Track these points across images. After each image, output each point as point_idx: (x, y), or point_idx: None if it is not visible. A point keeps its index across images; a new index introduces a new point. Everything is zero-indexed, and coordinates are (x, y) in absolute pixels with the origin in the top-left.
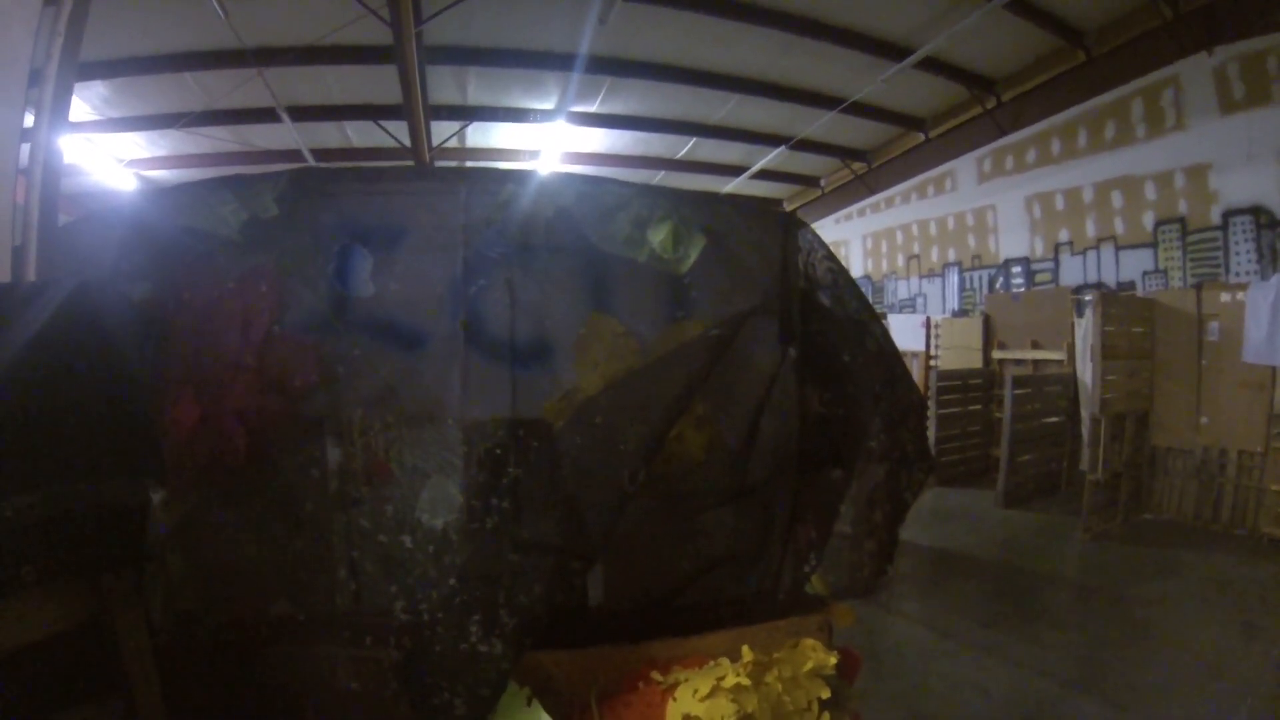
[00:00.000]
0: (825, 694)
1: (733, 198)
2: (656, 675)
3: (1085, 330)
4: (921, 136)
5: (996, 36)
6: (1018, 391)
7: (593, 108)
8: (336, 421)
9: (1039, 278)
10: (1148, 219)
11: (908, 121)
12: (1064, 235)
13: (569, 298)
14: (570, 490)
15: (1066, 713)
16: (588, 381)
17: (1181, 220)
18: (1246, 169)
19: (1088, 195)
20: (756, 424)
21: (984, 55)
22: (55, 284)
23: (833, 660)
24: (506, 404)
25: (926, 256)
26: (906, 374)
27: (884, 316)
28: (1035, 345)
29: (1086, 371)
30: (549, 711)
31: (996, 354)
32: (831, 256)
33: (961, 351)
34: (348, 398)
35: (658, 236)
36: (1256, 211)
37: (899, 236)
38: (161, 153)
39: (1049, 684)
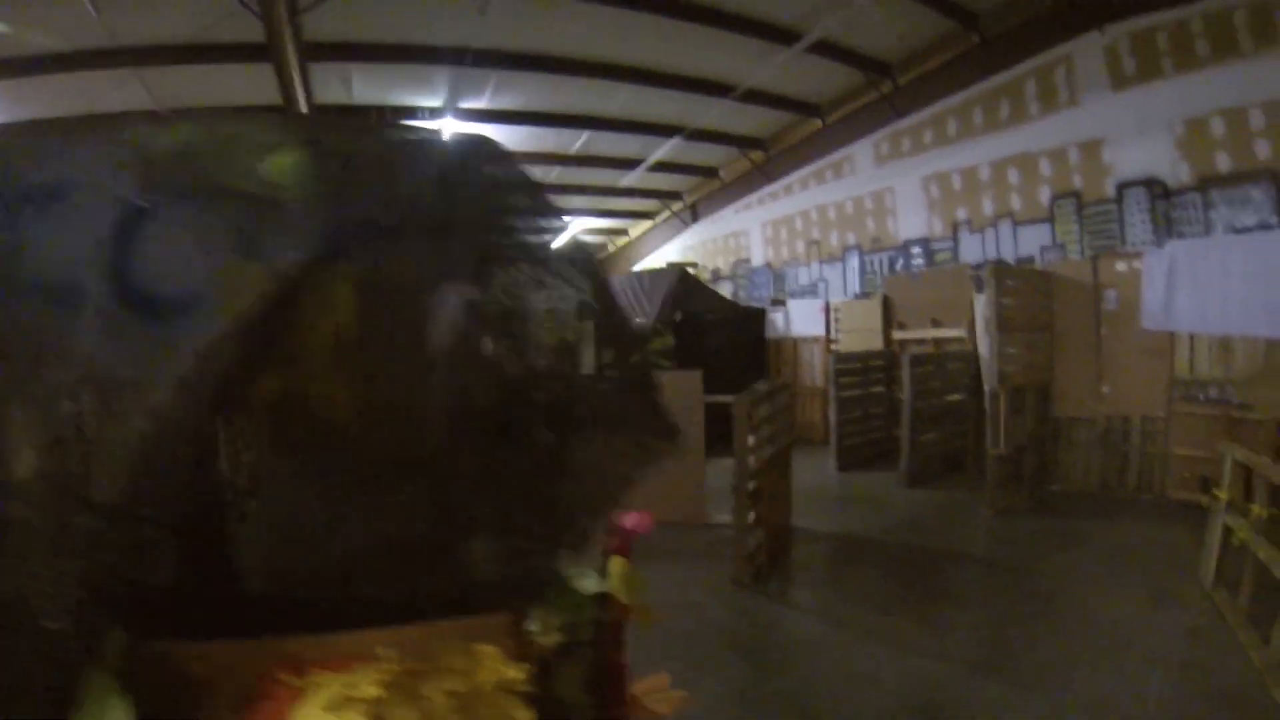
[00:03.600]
0: (522, 716)
1: (408, 126)
2: (288, 677)
3: (984, 305)
4: (819, 123)
5: (891, 20)
6: (917, 370)
7: (482, 104)
8: None
9: (938, 257)
10: (1044, 194)
11: (804, 108)
12: (962, 214)
13: (205, 243)
14: (151, 447)
15: (964, 697)
16: (223, 335)
17: (1077, 194)
18: (1139, 142)
19: (985, 174)
20: (426, 381)
21: (879, 39)
22: None
23: (515, 674)
24: (146, 360)
25: (826, 241)
26: (630, 329)
27: (784, 303)
28: (935, 323)
29: (986, 346)
30: (177, 709)
31: (897, 334)
32: (535, 187)
33: (863, 334)
34: None
35: (282, 165)
36: (1150, 183)
37: (799, 223)
38: None
39: (948, 668)
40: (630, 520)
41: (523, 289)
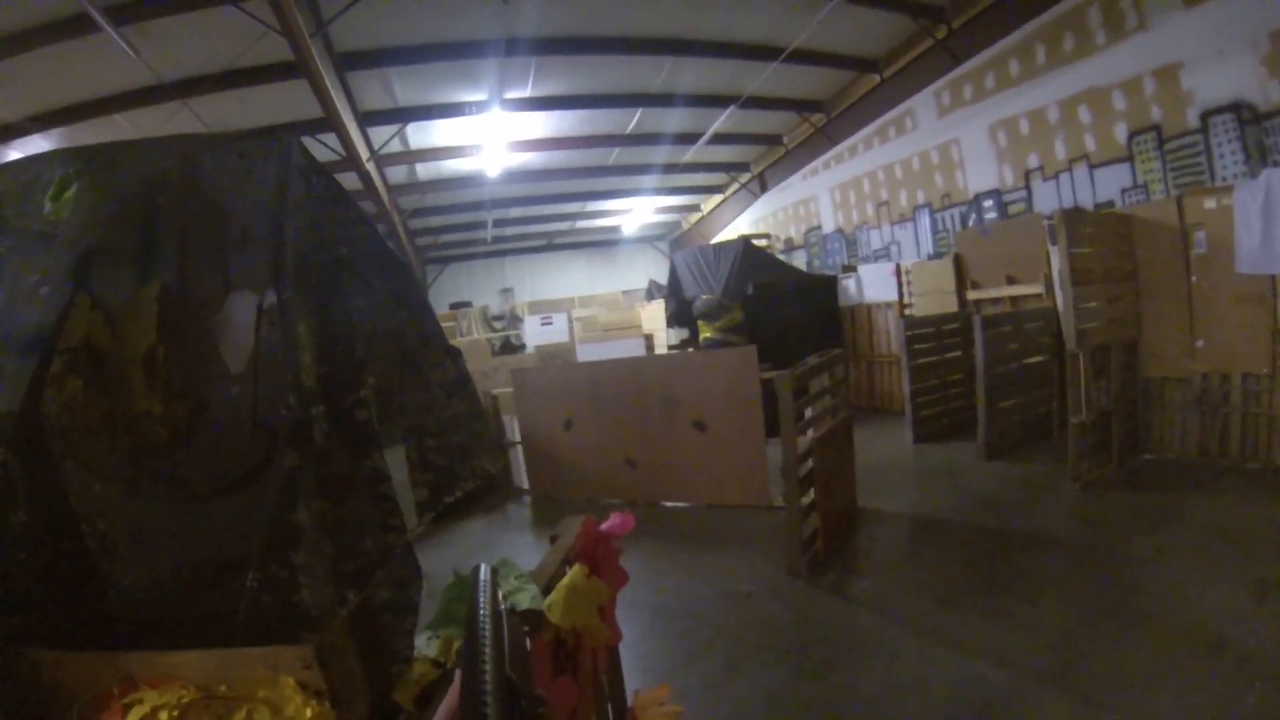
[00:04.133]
0: None
1: (206, 136)
2: (119, 692)
3: (1059, 257)
4: (876, 78)
5: None
6: (990, 332)
7: (526, 92)
8: None
9: (1012, 209)
10: (1120, 131)
11: (859, 64)
12: (1033, 161)
13: (45, 281)
14: None
15: (1020, 714)
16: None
17: (1157, 128)
18: (1221, 64)
19: (1053, 115)
20: (233, 394)
21: None
22: None
23: (308, 711)
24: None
25: (895, 202)
26: (441, 336)
27: (855, 269)
28: (1010, 281)
29: (1063, 303)
30: (15, 712)
31: (971, 294)
32: (337, 188)
33: (936, 296)
34: None
35: (63, 200)
36: (1237, 108)
37: (866, 185)
38: None
39: (1007, 675)
40: (608, 524)
41: (329, 298)
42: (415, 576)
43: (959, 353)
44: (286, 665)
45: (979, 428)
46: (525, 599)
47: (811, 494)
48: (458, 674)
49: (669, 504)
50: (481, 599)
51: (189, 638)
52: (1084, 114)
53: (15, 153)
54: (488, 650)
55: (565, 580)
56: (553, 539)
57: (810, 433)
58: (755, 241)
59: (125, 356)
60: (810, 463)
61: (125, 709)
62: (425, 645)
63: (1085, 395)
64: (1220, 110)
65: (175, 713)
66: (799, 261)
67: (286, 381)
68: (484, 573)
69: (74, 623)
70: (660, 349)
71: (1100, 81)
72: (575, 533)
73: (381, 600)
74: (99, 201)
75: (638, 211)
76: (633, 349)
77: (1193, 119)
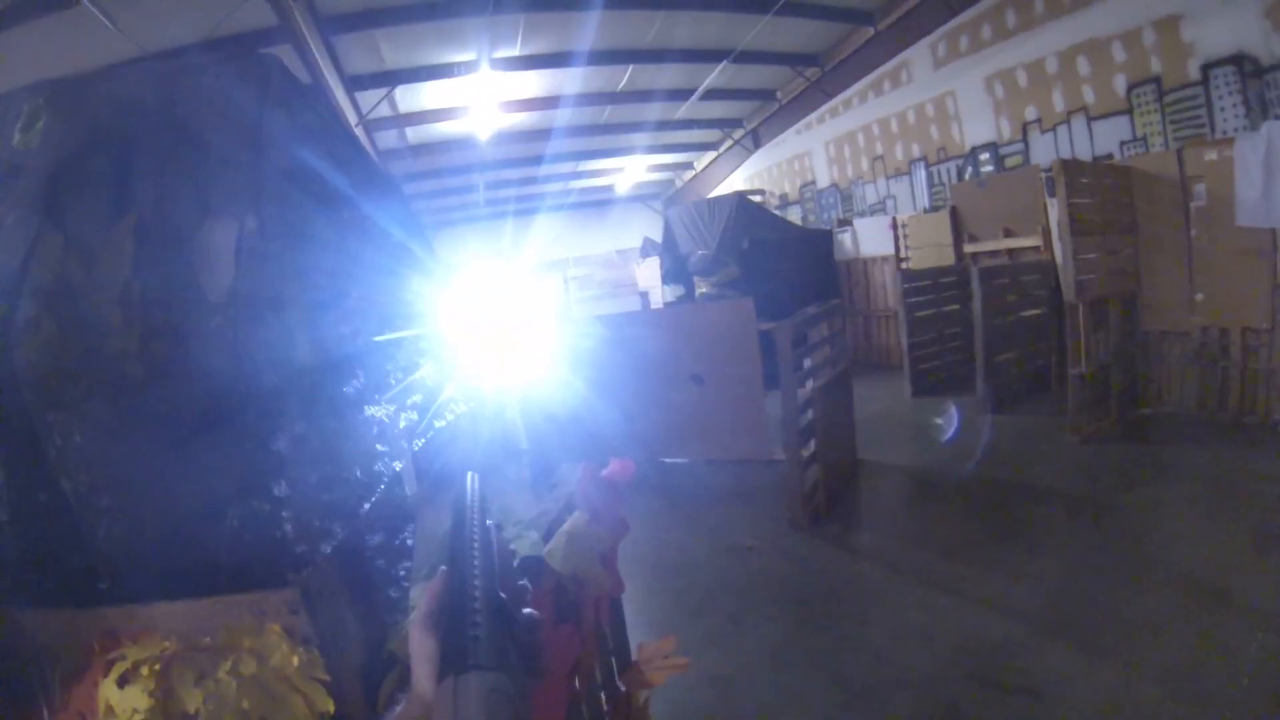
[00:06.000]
0: (328, 707)
1: (186, 62)
2: (99, 648)
3: (1058, 209)
4: (871, 30)
5: None
6: (988, 284)
7: (515, 50)
8: None
9: (1009, 162)
10: (1119, 83)
11: (854, 16)
12: (1031, 113)
13: (7, 216)
14: None
15: (1026, 663)
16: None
17: (1156, 80)
18: (1223, 13)
19: (1051, 66)
20: (213, 326)
21: None
22: None
23: (295, 659)
24: None
25: (891, 156)
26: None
27: (850, 223)
28: (1008, 233)
29: (1062, 254)
30: (24, 670)
31: (968, 248)
32: (332, 112)
33: (933, 250)
34: None
35: (30, 130)
36: (1239, 60)
37: (861, 139)
38: None
39: (1010, 625)
40: (608, 470)
41: (312, 220)
42: (408, 518)
43: (956, 306)
44: (273, 611)
45: (977, 381)
46: (525, 545)
47: (812, 446)
48: (430, 590)
49: (667, 460)
50: (471, 507)
51: (175, 589)
52: (1083, 65)
53: None
54: (477, 563)
55: (565, 526)
56: (552, 485)
57: (810, 383)
58: (750, 197)
59: (100, 294)
60: (810, 413)
61: (109, 665)
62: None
63: (1084, 348)
64: (1221, 62)
65: (156, 666)
66: (794, 216)
67: (266, 301)
68: (471, 481)
69: (56, 580)
70: (657, 305)
71: (1099, 32)
72: (575, 479)
73: (373, 544)
74: (70, 132)
75: (631, 170)
76: (629, 307)
77: (1193, 71)
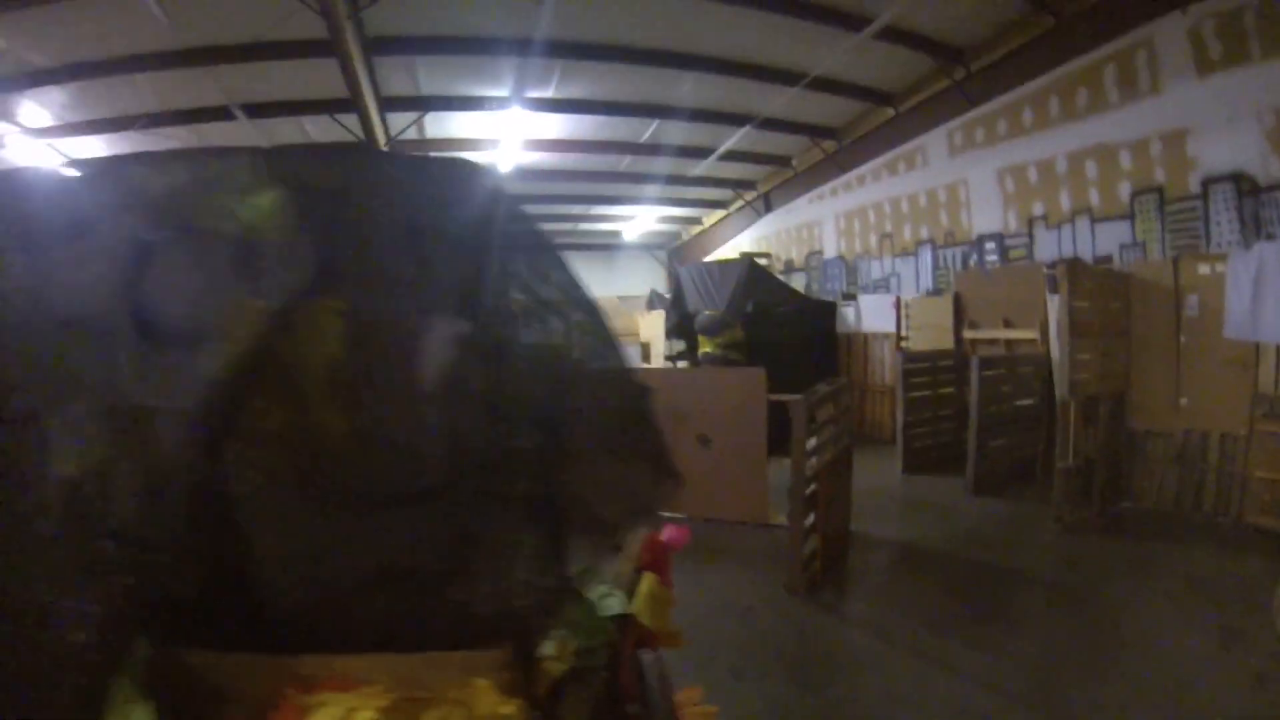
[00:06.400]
0: None
1: (401, 154)
2: (295, 694)
3: (1057, 307)
4: (891, 111)
5: (961, 3)
6: (986, 373)
7: (548, 93)
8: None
9: (1013, 253)
10: (1124, 189)
11: (876, 96)
12: (1038, 209)
13: (206, 281)
14: (153, 479)
15: None
16: (221, 368)
17: (1159, 190)
18: (1226, 133)
19: (1061, 166)
20: (424, 413)
21: (949, 23)
22: None
23: (508, 710)
24: (152, 392)
25: (899, 235)
26: (629, 367)
27: (855, 297)
28: (1007, 324)
29: (1059, 351)
30: (177, 714)
31: (968, 334)
32: (528, 218)
33: (933, 331)
34: (9, 384)
35: (261, 206)
36: (1237, 178)
37: (871, 215)
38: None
39: (993, 699)
40: (666, 534)
41: (514, 321)
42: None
43: (951, 389)
44: (484, 668)
45: (968, 464)
46: (615, 604)
47: (812, 516)
48: None
49: (666, 514)
50: None
51: (344, 643)
52: (1090, 169)
53: (32, 101)
54: None
55: (643, 587)
56: (617, 550)
57: (814, 459)
58: (757, 259)
59: (305, 366)
60: (814, 486)
61: (303, 711)
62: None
63: (1073, 442)
64: (1221, 179)
65: (374, 714)
66: (798, 283)
67: (484, 408)
68: None
69: (226, 627)
70: (656, 358)
71: (1109, 139)
72: (639, 544)
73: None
74: (286, 208)
75: (640, 219)
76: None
77: (1194, 184)
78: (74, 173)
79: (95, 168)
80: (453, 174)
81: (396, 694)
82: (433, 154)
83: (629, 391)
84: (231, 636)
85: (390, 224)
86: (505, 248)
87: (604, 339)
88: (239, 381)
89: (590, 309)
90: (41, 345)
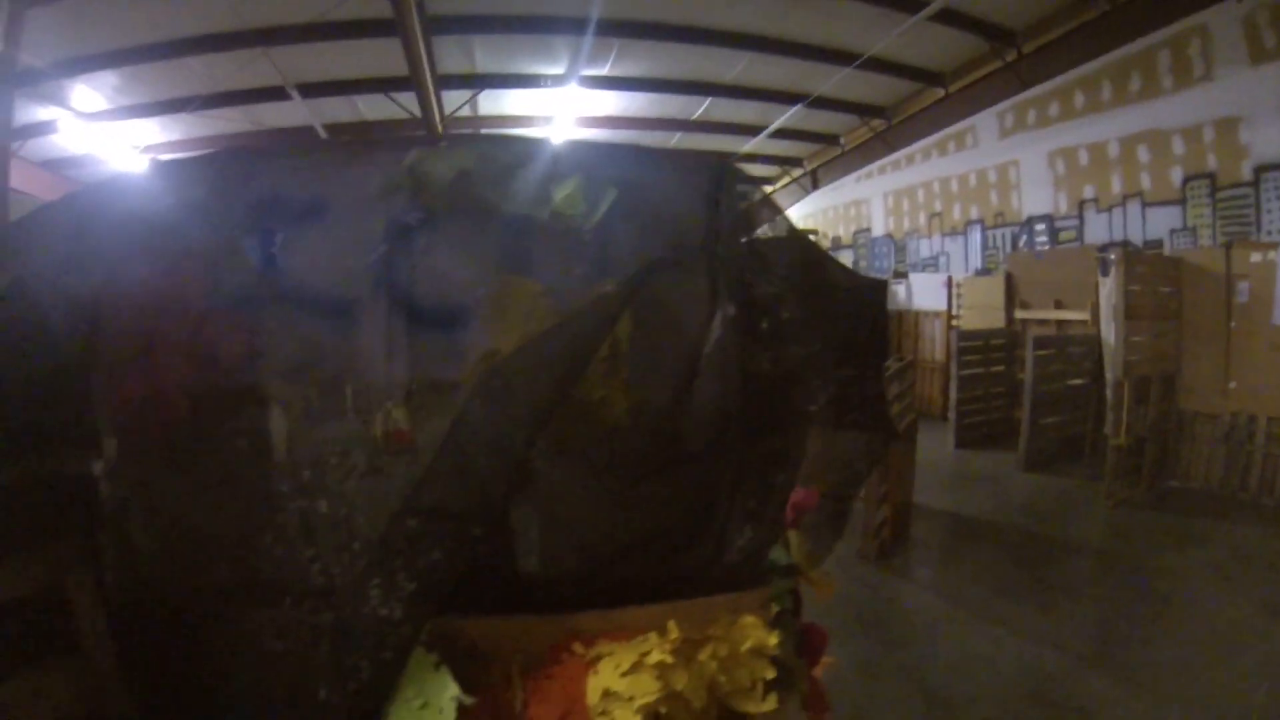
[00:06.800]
0: (770, 674)
1: (660, 151)
2: (579, 648)
3: (1109, 290)
4: (941, 92)
5: None
6: (1040, 353)
7: (604, 71)
8: (260, 390)
9: (1063, 236)
10: (1175, 175)
11: (927, 77)
12: (1089, 192)
13: (478, 260)
14: (470, 455)
15: (1075, 689)
16: (504, 344)
17: (1211, 176)
18: (1278, 122)
19: (1113, 150)
20: (689, 387)
21: (1003, 5)
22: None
23: (773, 640)
24: (414, 369)
25: (948, 214)
26: (867, 338)
27: (906, 275)
28: (1059, 305)
29: (1110, 332)
30: (468, 679)
31: (1019, 314)
32: (776, 208)
33: (984, 311)
34: (269, 367)
35: (563, 192)
36: None
37: (920, 194)
38: (176, 137)
39: (1060, 658)
40: (799, 497)
41: (770, 305)
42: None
43: (1002, 368)
44: (748, 608)
45: (1021, 440)
46: (782, 556)
47: (884, 487)
48: None
49: None
50: None
51: (614, 600)
52: (1143, 153)
53: (85, 85)
54: None
55: (795, 541)
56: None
57: None
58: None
59: (593, 346)
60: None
61: (589, 662)
62: None
63: (1126, 420)
64: (1273, 167)
65: (661, 658)
66: (845, 261)
67: (738, 380)
68: None
69: (491, 593)
70: None
71: (1162, 124)
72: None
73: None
74: (586, 195)
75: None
76: None
77: (1246, 172)
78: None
79: (352, 149)
80: (717, 174)
81: (678, 636)
82: (680, 150)
83: (864, 367)
84: (501, 603)
85: (647, 212)
86: (762, 241)
87: (847, 318)
88: (527, 361)
89: (839, 287)
90: (305, 329)
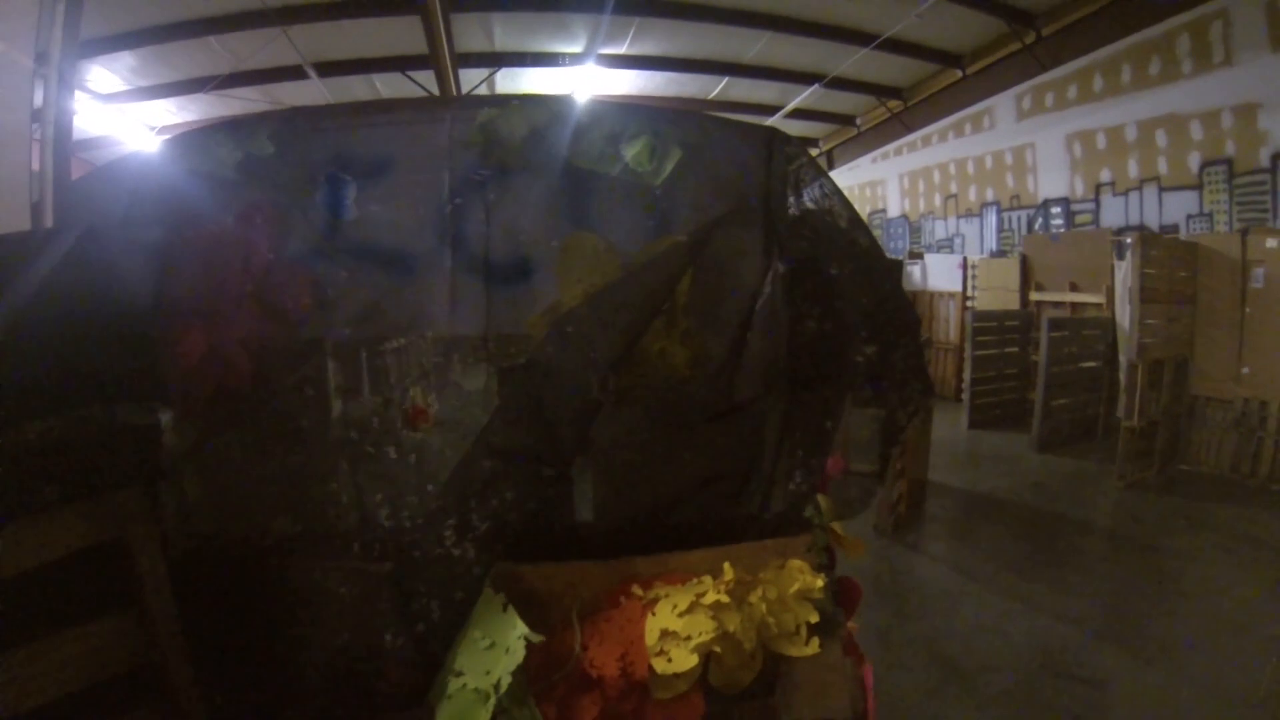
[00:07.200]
0: (814, 618)
1: (714, 116)
2: (637, 590)
3: (1125, 273)
4: (959, 73)
5: None
6: (1054, 334)
7: (622, 49)
8: (328, 341)
9: (1079, 219)
10: (1193, 160)
11: (944, 58)
12: (1105, 175)
13: (547, 215)
14: (543, 399)
15: (1086, 660)
16: (569, 295)
17: (1229, 162)
18: None
19: (1131, 134)
20: (743, 340)
21: None
22: (67, 230)
23: (819, 583)
24: (487, 319)
25: (964, 196)
26: (901, 294)
27: (922, 256)
28: (1074, 288)
29: (1125, 315)
30: (530, 621)
31: (1034, 296)
32: (821, 171)
33: (999, 293)
34: (338, 318)
35: (632, 151)
36: None
37: (936, 176)
38: (193, 117)
39: (1071, 631)
40: (828, 463)
41: (817, 263)
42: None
43: (1016, 349)
44: (793, 551)
45: (1034, 421)
46: (815, 516)
47: (900, 464)
48: None
49: None
50: None
51: (659, 545)
52: (1160, 137)
53: (102, 68)
54: None
55: (825, 504)
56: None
57: None
58: None
59: (658, 300)
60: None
61: (648, 603)
62: None
63: (1139, 403)
64: None
65: (717, 598)
66: None
67: (788, 334)
68: None
69: (552, 538)
70: None
71: (1180, 109)
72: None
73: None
74: (669, 159)
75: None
76: None
77: (1264, 158)
78: (414, 111)
79: (417, 106)
80: (769, 138)
81: (732, 578)
82: (735, 119)
83: (901, 322)
84: (561, 548)
85: (706, 176)
86: (808, 201)
87: (883, 275)
88: (609, 311)
89: (874, 250)
90: (365, 281)
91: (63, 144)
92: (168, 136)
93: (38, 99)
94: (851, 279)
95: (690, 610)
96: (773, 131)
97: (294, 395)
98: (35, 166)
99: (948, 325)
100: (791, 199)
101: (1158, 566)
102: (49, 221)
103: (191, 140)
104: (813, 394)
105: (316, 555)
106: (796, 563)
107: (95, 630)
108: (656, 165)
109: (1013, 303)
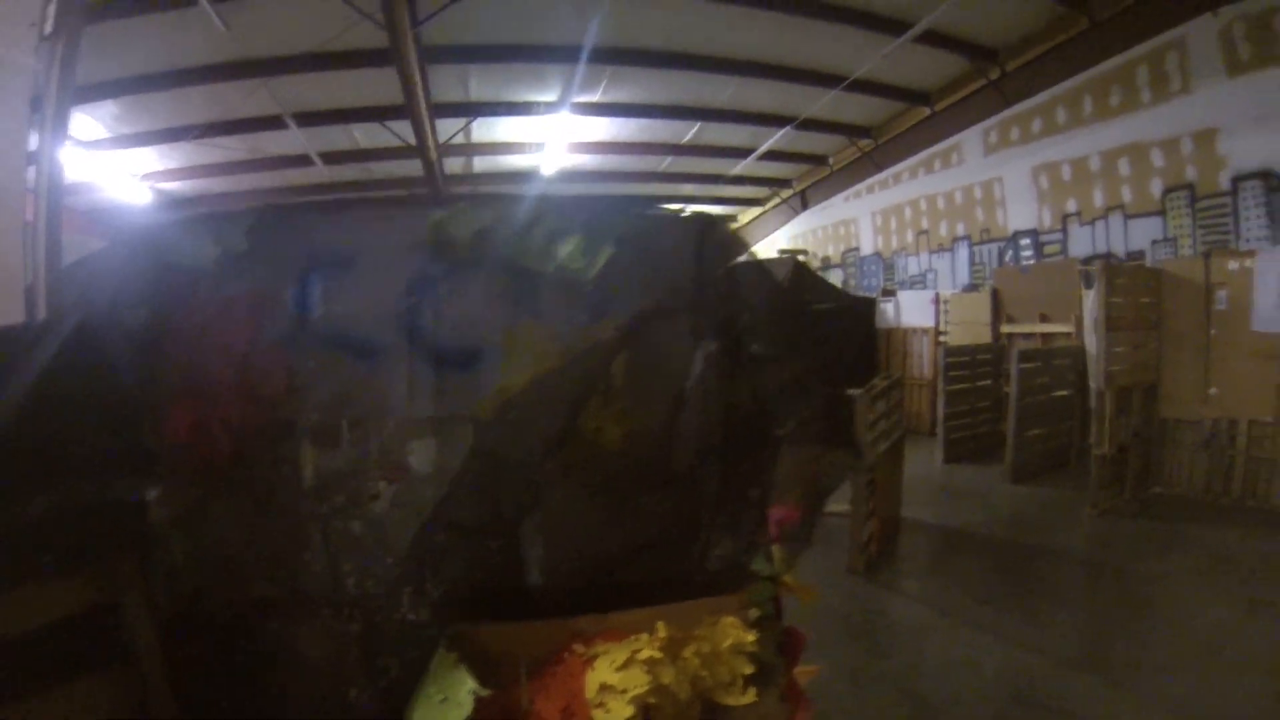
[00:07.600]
0: (748, 670)
1: (652, 207)
2: (579, 647)
3: (1092, 302)
4: (927, 110)
5: (998, 5)
6: (1025, 365)
7: (596, 97)
8: (301, 422)
9: (1048, 249)
10: (1155, 186)
11: (912, 96)
12: (1072, 205)
13: (493, 307)
14: (488, 478)
15: (1059, 690)
16: (514, 380)
17: (1190, 187)
18: (1255, 132)
19: (1095, 164)
20: (676, 415)
21: (986, 25)
22: (60, 321)
23: (750, 638)
24: (440, 403)
25: (935, 231)
26: (854, 356)
27: (895, 293)
28: (1044, 318)
29: (1094, 343)
30: (482, 676)
31: (1005, 328)
32: (751, 255)
33: (971, 326)
34: (310, 402)
35: (565, 250)
36: (1266, 175)
37: (907, 212)
38: (174, 165)
39: (1043, 661)
40: (780, 513)
41: (748, 340)
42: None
43: (989, 381)
44: (727, 609)
45: (1007, 453)
46: (765, 568)
47: (870, 503)
48: None
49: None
50: None
51: (610, 605)
52: (1123, 166)
53: (88, 116)
54: None
55: (777, 553)
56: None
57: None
58: (797, 257)
59: (594, 384)
60: (873, 474)
61: (588, 660)
62: None
63: (1109, 430)
64: (1250, 176)
65: (650, 655)
66: (835, 279)
67: (719, 409)
68: None
69: (508, 601)
70: None
71: (1141, 137)
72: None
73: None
74: (601, 254)
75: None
76: None
77: (1224, 182)
78: (374, 212)
79: (375, 210)
80: (702, 230)
81: (665, 635)
82: (672, 209)
83: (832, 395)
84: (511, 609)
85: (642, 265)
86: (740, 290)
87: (817, 349)
88: (549, 396)
89: (812, 324)
90: (335, 370)
91: (55, 191)
92: (152, 226)
93: (32, 144)
94: (787, 348)
95: (626, 665)
96: (705, 219)
97: (271, 471)
98: (29, 216)
99: (921, 361)
100: (722, 282)
101: (1129, 592)
102: (42, 306)
103: (172, 233)
104: (743, 464)
105: (288, 616)
106: (729, 619)
107: (91, 685)
108: (589, 261)
109: (985, 336)
